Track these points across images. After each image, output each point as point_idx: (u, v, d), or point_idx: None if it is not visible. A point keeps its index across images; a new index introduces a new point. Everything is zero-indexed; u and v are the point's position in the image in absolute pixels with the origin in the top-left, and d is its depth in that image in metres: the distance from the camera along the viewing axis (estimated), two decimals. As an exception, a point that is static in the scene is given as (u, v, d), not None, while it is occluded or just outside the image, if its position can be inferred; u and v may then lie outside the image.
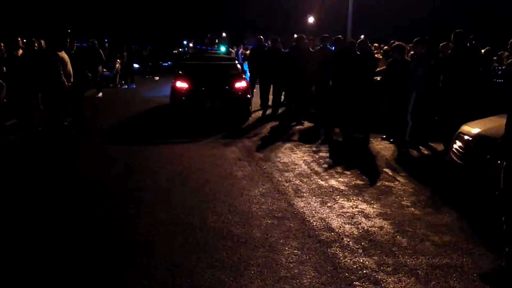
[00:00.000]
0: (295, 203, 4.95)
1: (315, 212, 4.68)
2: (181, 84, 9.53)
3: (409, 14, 28.14)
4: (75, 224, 4.35)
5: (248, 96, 10.02)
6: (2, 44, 9.99)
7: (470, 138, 5.02)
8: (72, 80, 8.99)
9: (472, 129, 5.24)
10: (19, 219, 4.47)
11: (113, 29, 36.63)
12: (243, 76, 10.44)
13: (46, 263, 3.61)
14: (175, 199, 5.01)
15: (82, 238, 4.05)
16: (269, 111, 10.84)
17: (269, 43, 11.75)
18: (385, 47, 12.80)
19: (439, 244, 3.98)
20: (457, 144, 5.26)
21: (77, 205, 4.86)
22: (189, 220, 4.43)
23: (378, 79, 9.05)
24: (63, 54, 8.72)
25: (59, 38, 8.94)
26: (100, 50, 10.24)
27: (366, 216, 4.59)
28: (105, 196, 5.15)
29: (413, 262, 3.66)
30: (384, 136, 8.17)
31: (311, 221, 4.45)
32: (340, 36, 10.04)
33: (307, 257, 3.70)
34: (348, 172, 6.17)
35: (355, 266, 3.57)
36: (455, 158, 5.20)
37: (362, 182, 5.73)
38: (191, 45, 47.64)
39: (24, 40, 10.46)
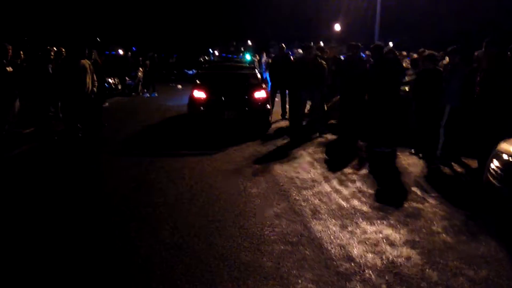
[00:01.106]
0: (312, 226, 4.50)
1: (334, 238, 4.23)
2: (199, 94, 9.24)
3: (438, 21, 27.27)
4: (71, 240, 4.04)
5: (268, 106, 9.64)
6: (21, 52, 9.91)
7: (510, 159, 4.48)
8: (95, 89, 8.86)
9: (511, 147, 4.70)
10: (11, 234, 4.19)
11: (141, 38, 37.04)
12: (263, 86, 10.05)
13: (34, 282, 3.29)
14: (182, 218, 4.65)
15: (76, 257, 3.73)
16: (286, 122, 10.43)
17: (297, 50, 11.32)
18: (414, 55, 12.22)
19: (474, 280, 3.48)
20: (495, 164, 4.73)
21: (77, 220, 4.57)
22: (194, 243, 4.05)
23: (407, 89, 8.53)
24: (85, 63, 8.58)
25: (78, 47, 8.84)
26: (98, 60, 10.08)
27: (392, 244, 4.11)
28: (108, 211, 4.85)
29: (445, 302, 3.18)
30: (413, 151, 7.63)
31: (329, 248, 4.00)
32: (380, 43, 9.53)
33: (323, 293, 3.26)
34: (372, 191, 5.68)
35: (377, 306, 3.11)
36: (492, 179, 4.67)
37: (388, 203, 5.22)
38: (216, 53, 47.78)
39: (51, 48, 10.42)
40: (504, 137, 5.13)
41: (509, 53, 7.03)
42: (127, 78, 17.57)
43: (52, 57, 9.40)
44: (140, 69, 17.69)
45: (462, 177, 6.55)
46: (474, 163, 6.87)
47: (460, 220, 4.70)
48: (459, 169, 6.84)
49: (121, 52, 25.87)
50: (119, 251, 3.90)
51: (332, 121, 10.05)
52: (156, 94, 17.66)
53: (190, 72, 28.58)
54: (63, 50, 10.20)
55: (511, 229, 4.47)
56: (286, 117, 11.38)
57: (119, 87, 17.05)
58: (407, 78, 8.80)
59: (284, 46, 12.17)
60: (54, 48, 10.20)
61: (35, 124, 9.21)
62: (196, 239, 4.13)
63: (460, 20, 24.77)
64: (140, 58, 18.71)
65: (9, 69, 7.81)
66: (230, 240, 4.12)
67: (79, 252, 3.87)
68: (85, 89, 8.52)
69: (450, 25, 24.57)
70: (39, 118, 9.14)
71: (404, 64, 9.65)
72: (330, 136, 9.16)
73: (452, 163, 6.99)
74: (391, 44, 10.11)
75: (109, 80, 15.75)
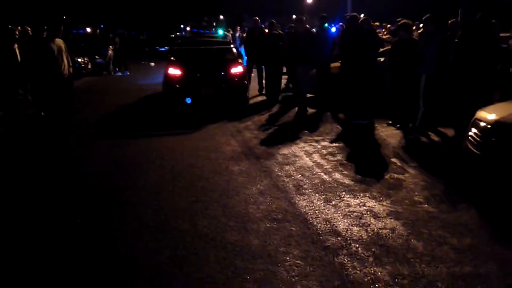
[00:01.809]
0: (297, 201, 4.49)
1: (319, 212, 4.22)
2: (174, 71, 9.01)
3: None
4: (49, 229, 3.91)
5: (245, 82, 9.50)
6: None
7: (489, 126, 4.52)
8: (71, 69, 8.47)
9: (489, 115, 4.74)
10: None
11: (110, 15, 35.82)
12: (240, 61, 9.87)
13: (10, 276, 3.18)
14: (164, 200, 4.56)
15: (55, 246, 3.61)
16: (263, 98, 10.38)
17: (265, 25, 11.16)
18: (388, 25, 12.19)
19: (459, 249, 3.53)
20: (474, 132, 4.77)
21: (55, 208, 4.41)
22: (178, 225, 3.98)
23: (382, 60, 8.54)
24: (58, 42, 8.16)
25: (53, 24, 8.40)
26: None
27: (376, 216, 4.14)
28: (88, 196, 4.70)
29: (432, 271, 3.21)
30: (390, 122, 7.67)
31: (315, 223, 3.99)
32: (355, 14, 9.35)
33: (311, 269, 3.25)
34: (353, 164, 5.69)
35: (365, 279, 3.12)
36: (471, 147, 4.72)
37: (369, 175, 5.25)
38: (188, 28, 46.82)
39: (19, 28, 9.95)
40: (482, 105, 5.18)
41: (480, 21, 7.06)
42: (96, 57, 17.07)
43: (17, 36, 8.96)
44: (110, 47, 17.15)
45: (440, 146, 6.63)
46: (450, 132, 6.98)
47: (441, 189, 4.77)
48: (436, 138, 6.92)
49: (89, 30, 25.01)
50: (101, 237, 3.80)
51: (309, 95, 9.99)
52: (128, 73, 17.23)
53: (162, 49, 27.99)
54: (29, 29, 9.74)
55: (490, 195, 4.55)
56: (263, 92, 11.29)
57: (89, 66, 16.57)
58: (381, 49, 8.79)
59: (258, 19, 11.94)
60: (19, 27, 9.75)
61: (3, 108, 8.85)
62: (180, 220, 4.06)
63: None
64: (110, 35, 18.13)
65: None
66: (214, 220, 4.07)
67: (58, 240, 3.75)
68: (62, 70, 8.14)
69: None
70: (7, 102, 8.77)
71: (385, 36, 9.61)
72: (310, 110, 9.10)
73: (429, 133, 7.06)
74: (362, 15, 10.00)
75: (78, 59, 15.29)
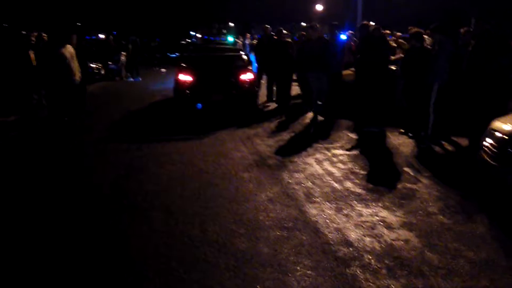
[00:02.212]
0: (307, 210, 4.41)
1: (330, 222, 4.14)
2: (184, 77, 9.00)
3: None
4: (60, 232, 3.89)
5: (255, 88, 9.47)
6: None
7: (506, 137, 4.43)
8: (79, 75, 8.50)
9: (505, 125, 4.65)
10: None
11: (122, 22, 36.16)
12: (250, 68, 9.85)
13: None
14: (174, 205, 4.51)
15: (66, 250, 3.57)
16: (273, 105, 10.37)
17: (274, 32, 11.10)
18: (398, 33, 12.09)
19: (475, 262, 3.42)
20: (489, 143, 4.68)
21: (65, 211, 4.39)
22: (188, 231, 3.93)
23: (394, 68, 8.46)
24: (69, 49, 8.20)
25: (64, 32, 8.47)
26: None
27: (389, 227, 4.04)
28: (98, 201, 4.68)
29: (447, 285, 3.11)
30: (403, 130, 7.57)
31: (326, 232, 3.91)
32: (366, 22, 9.26)
33: (323, 280, 3.17)
34: (365, 172, 5.61)
35: (379, 291, 3.04)
36: (487, 158, 4.62)
37: (381, 184, 5.15)
38: (198, 35, 47.11)
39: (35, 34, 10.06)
40: (496, 114, 5.09)
41: (493, 30, 6.97)
42: (109, 63, 17.22)
43: (33, 42, 9.06)
44: (123, 53, 17.30)
45: (453, 155, 6.52)
46: (463, 141, 6.86)
47: (455, 200, 4.65)
48: (449, 148, 6.80)
49: (102, 36, 25.27)
50: (111, 242, 3.76)
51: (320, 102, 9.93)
52: (140, 79, 17.33)
53: (173, 55, 28.14)
54: (44, 35, 9.82)
55: (506, 207, 4.44)
56: (273, 99, 11.23)
57: (102, 72, 16.71)
58: (392, 58, 8.72)
59: (268, 27, 11.92)
60: (35, 33, 9.85)
61: (18, 112, 8.93)
62: (190, 226, 4.01)
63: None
64: (123, 42, 18.30)
65: None
66: (224, 226, 4.01)
67: (69, 245, 3.72)
68: (74, 76, 8.18)
69: (434, 4, 24.43)
70: (23, 106, 8.87)
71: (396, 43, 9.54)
72: (319, 117, 9.03)
73: (442, 142, 6.95)
74: (372, 23, 10.02)
75: (92, 65, 15.43)
